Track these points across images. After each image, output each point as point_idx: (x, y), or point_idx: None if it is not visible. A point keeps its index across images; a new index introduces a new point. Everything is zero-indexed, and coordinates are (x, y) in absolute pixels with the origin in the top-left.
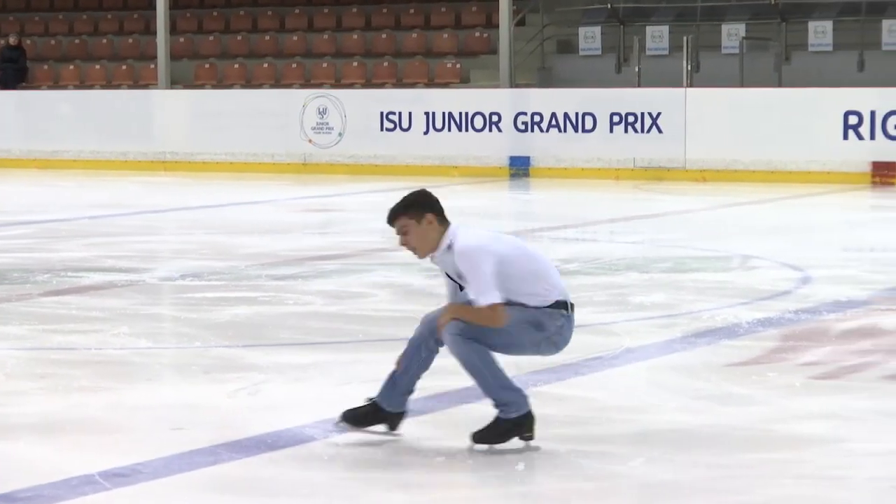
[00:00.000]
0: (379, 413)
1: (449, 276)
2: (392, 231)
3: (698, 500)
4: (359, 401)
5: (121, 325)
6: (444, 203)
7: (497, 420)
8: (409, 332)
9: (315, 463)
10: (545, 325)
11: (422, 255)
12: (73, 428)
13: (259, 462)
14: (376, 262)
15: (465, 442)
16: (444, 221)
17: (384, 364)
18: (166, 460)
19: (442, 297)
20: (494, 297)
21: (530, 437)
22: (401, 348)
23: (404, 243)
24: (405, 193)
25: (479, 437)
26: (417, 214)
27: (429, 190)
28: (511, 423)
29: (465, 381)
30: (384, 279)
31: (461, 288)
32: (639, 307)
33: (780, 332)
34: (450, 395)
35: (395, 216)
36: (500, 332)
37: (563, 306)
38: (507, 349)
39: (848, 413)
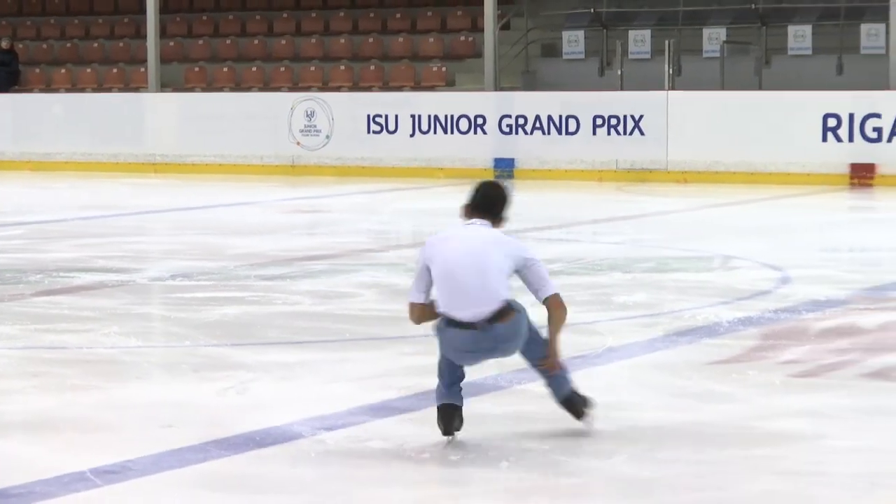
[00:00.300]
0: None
1: None
2: (377, 231)
3: (679, 497)
4: (345, 399)
5: (111, 325)
6: (429, 204)
7: None
8: (395, 331)
9: (303, 460)
10: (438, 336)
11: None
12: (64, 426)
13: (247, 459)
14: (363, 263)
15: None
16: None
17: (371, 363)
18: (156, 457)
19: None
20: (411, 295)
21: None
22: (388, 347)
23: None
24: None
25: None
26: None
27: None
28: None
29: None
30: (371, 279)
31: None
32: (621, 307)
33: (760, 331)
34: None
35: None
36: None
37: (454, 323)
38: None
39: (827, 410)
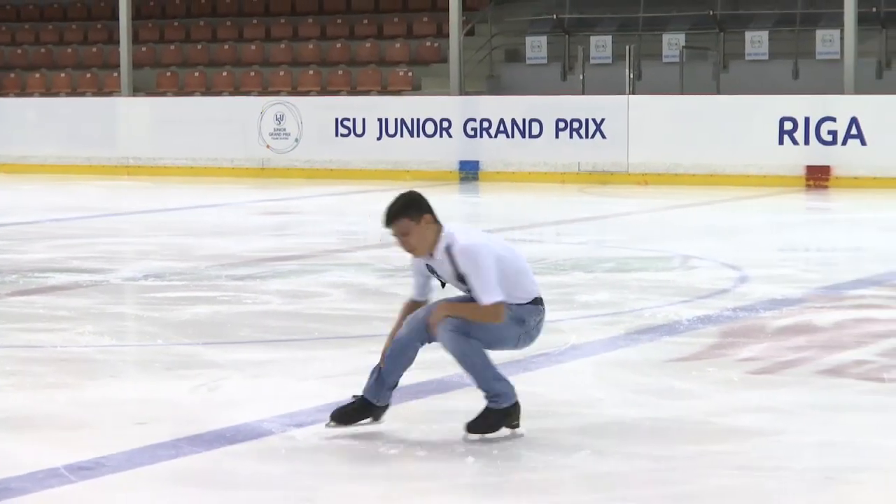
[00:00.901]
0: (367, 408)
1: (437, 277)
2: (345, 232)
3: (640, 491)
4: (314, 397)
5: (85, 324)
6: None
7: (488, 410)
8: (363, 330)
9: (273, 456)
10: (527, 320)
11: (420, 254)
12: (39, 423)
13: (219, 455)
14: (332, 263)
15: (417, 435)
16: (437, 222)
17: (339, 361)
18: (129, 454)
19: (395, 297)
20: (499, 296)
21: (517, 426)
22: (356, 345)
23: (403, 244)
24: (394, 195)
25: (472, 426)
26: (416, 215)
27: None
28: (501, 414)
29: (418, 377)
30: (339, 279)
31: (465, 287)
32: (584, 305)
33: (718, 329)
34: (402, 391)
35: (394, 218)
36: (489, 328)
37: (541, 302)
38: (492, 345)
39: (784, 406)
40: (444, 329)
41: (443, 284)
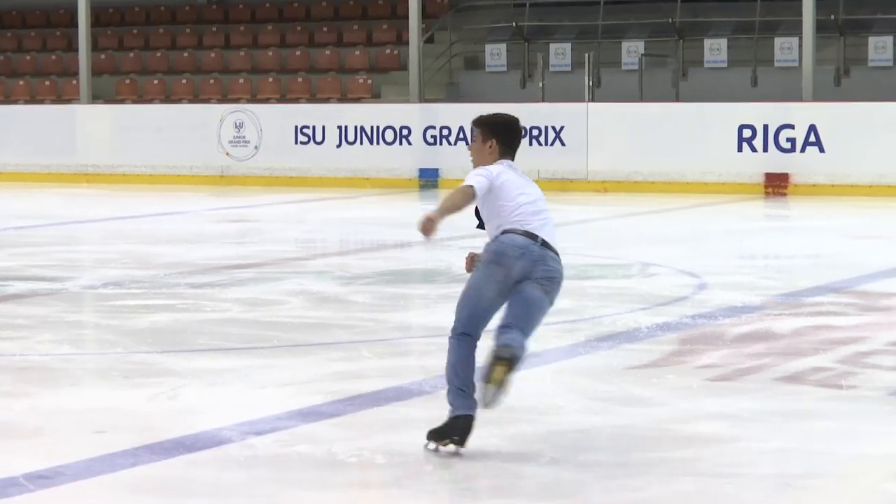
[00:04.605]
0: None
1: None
2: (304, 240)
3: (600, 497)
4: (273, 405)
5: (44, 332)
6: (356, 213)
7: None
8: (322, 337)
9: (232, 464)
10: (505, 254)
11: (475, 166)
12: None
13: (178, 464)
14: (290, 271)
15: (376, 442)
16: (501, 156)
17: (298, 369)
18: (88, 462)
19: (353, 304)
20: (470, 181)
21: (457, 442)
22: (315, 353)
23: (469, 148)
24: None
25: (430, 433)
26: (487, 135)
27: (520, 125)
28: (448, 423)
29: (377, 384)
30: (298, 287)
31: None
32: None
33: (678, 336)
34: (362, 398)
35: (474, 123)
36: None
37: (531, 236)
38: (474, 299)
39: (743, 413)
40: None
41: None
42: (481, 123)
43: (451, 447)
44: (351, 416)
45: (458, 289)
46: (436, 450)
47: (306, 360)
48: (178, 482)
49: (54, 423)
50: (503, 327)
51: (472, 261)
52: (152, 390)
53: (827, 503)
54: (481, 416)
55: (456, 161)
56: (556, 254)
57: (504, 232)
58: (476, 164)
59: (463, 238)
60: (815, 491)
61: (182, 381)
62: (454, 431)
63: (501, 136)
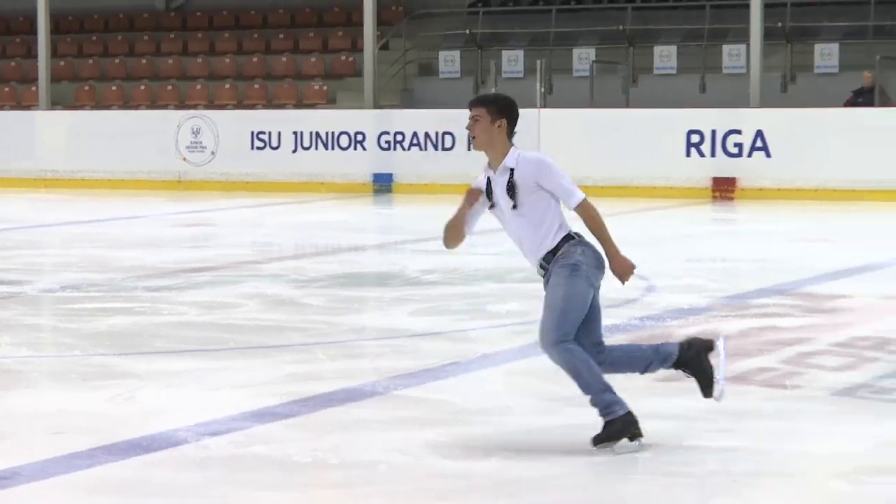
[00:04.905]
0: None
1: (490, 196)
2: (260, 244)
3: (549, 496)
4: (229, 406)
5: (2, 335)
6: (311, 217)
7: (607, 422)
8: (277, 340)
9: (188, 464)
10: (600, 268)
11: (476, 147)
12: None
13: (134, 464)
14: (247, 274)
15: (330, 443)
16: (510, 136)
17: (253, 370)
18: (45, 463)
19: (308, 307)
20: (581, 192)
21: (639, 435)
22: (270, 355)
23: (470, 128)
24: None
25: (597, 439)
26: (495, 114)
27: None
28: (621, 422)
29: (331, 386)
30: (254, 290)
31: (514, 205)
32: (495, 315)
33: (626, 338)
34: (316, 400)
35: (476, 103)
36: (570, 298)
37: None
38: (583, 297)
39: (690, 413)
40: (546, 343)
41: (491, 206)
42: (487, 103)
43: (637, 442)
44: (305, 418)
45: (412, 291)
46: (636, 444)
47: (261, 363)
48: (135, 482)
49: (12, 424)
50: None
51: (474, 194)
52: (110, 392)
53: (772, 501)
54: (433, 417)
55: (410, 166)
56: None
57: (580, 240)
58: (482, 144)
59: (416, 242)
60: (761, 489)
61: (139, 382)
62: (631, 427)
63: (509, 116)
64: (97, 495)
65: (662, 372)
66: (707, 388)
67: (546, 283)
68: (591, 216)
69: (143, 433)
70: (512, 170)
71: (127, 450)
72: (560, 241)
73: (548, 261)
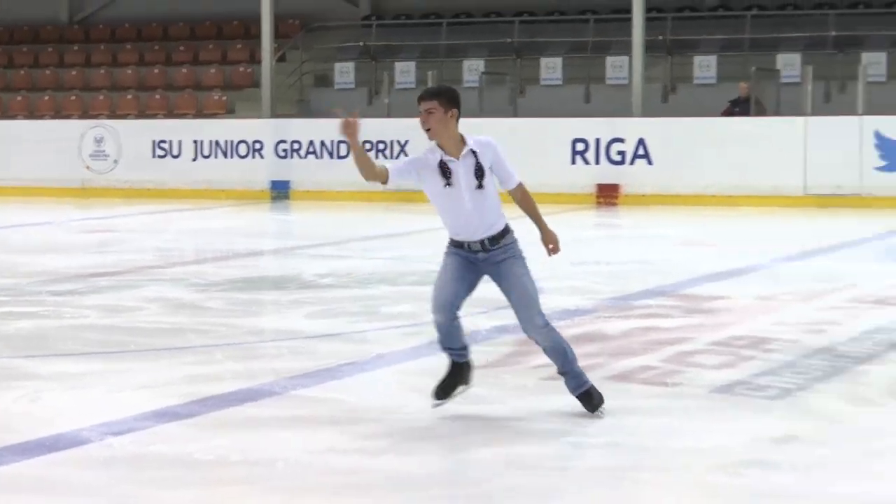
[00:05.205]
0: (459, 370)
1: (447, 175)
2: (162, 249)
3: (441, 490)
4: (131, 406)
5: None
6: (211, 223)
7: (587, 392)
8: (177, 342)
9: (92, 463)
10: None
11: (432, 137)
12: None
13: (39, 463)
14: (148, 279)
15: (230, 441)
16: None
17: (155, 372)
18: None
19: (208, 310)
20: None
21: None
22: (170, 357)
23: (425, 121)
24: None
25: (594, 408)
26: (447, 105)
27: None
28: (594, 389)
29: (230, 386)
30: (155, 294)
31: (479, 185)
32: (388, 317)
33: (514, 339)
34: (215, 399)
35: (428, 96)
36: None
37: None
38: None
39: (575, 410)
40: (537, 328)
41: (447, 184)
42: (438, 95)
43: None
44: (205, 417)
45: (309, 294)
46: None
47: (163, 364)
48: (40, 481)
49: None
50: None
51: (352, 125)
52: (14, 393)
53: (654, 495)
54: (330, 415)
55: (306, 174)
56: None
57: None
58: (438, 134)
59: (312, 247)
60: (643, 484)
61: (44, 384)
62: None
63: (458, 105)
64: (5, 494)
65: (551, 371)
66: (449, 387)
67: (483, 262)
68: (528, 196)
69: (47, 433)
70: (475, 152)
71: (32, 449)
72: (505, 227)
73: (493, 242)
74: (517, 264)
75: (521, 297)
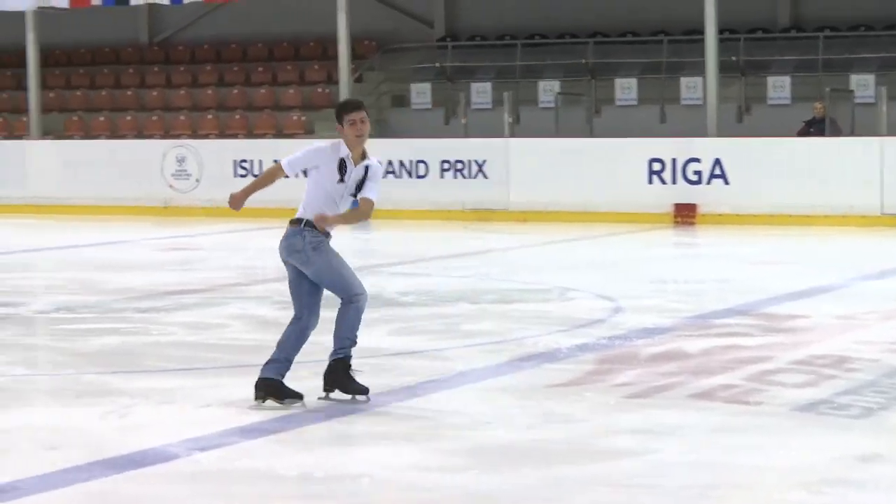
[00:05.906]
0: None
1: (342, 174)
2: (244, 267)
3: None
4: (218, 422)
5: None
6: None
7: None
8: (262, 358)
9: (180, 478)
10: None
11: (362, 142)
12: None
13: (128, 478)
14: (232, 296)
15: (315, 457)
16: None
17: (240, 388)
18: (43, 477)
19: None
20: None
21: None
22: (256, 373)
23: (360, 128)
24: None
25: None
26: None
27: None
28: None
29: (316, 402)
30: (240, 311)
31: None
32: (469, 335)
33: (595, 357)
34: (301, 415)
35: (362, 107)
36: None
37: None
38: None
39: (657, 428)
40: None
41: (340, 180)
42: (362, 107)
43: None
44: (289, 433)
45: (391, 312)
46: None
47: (247, 380)
48: (128, 496)
49: (10, 440)
50: None
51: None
52: (103, 409)
53: None
54: (413, 432)
55: (385, 193)
56: None
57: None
58: (363, 142)
59: (393, 265)
60: (725, 501)
61: (131, 400)
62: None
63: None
64: None
65: (633, 389)
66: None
67: (314, 249)
68: (363, 210)
69: (136, 448)
70: (367, 168)
71: (121, 464)
72: None
73: (327, 234)
74: (332, 251)
75: (333, 274)
